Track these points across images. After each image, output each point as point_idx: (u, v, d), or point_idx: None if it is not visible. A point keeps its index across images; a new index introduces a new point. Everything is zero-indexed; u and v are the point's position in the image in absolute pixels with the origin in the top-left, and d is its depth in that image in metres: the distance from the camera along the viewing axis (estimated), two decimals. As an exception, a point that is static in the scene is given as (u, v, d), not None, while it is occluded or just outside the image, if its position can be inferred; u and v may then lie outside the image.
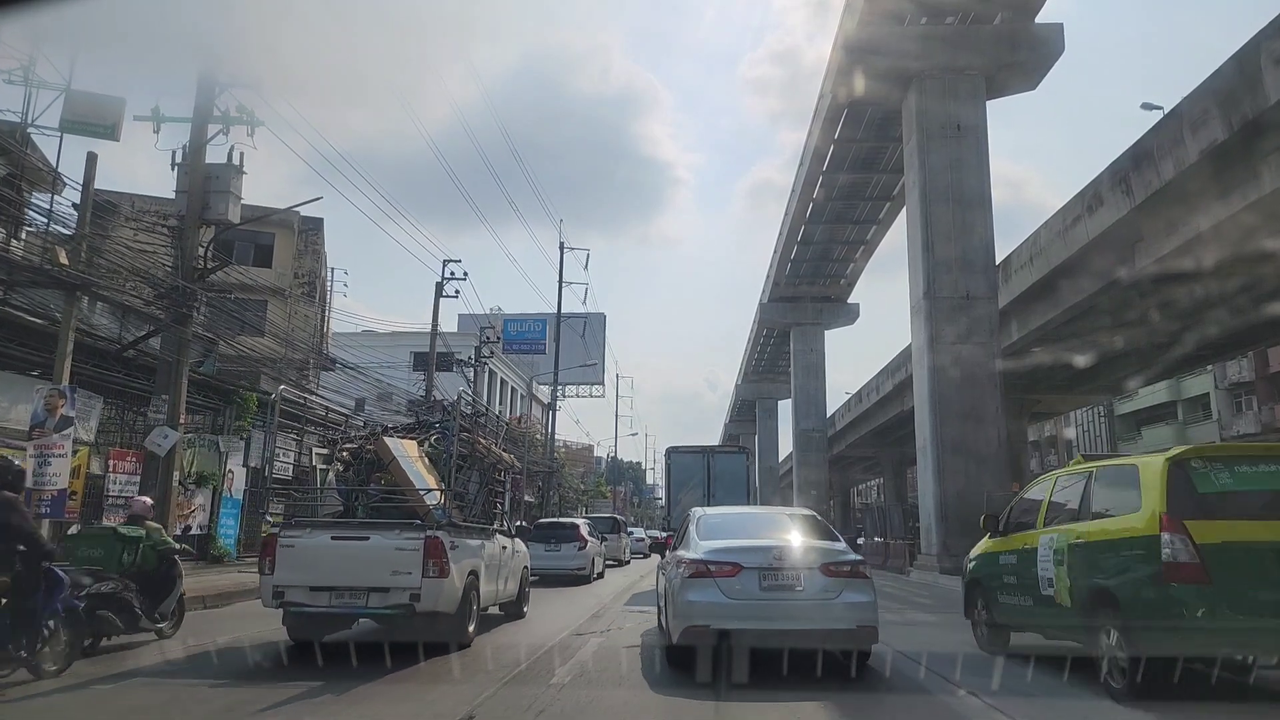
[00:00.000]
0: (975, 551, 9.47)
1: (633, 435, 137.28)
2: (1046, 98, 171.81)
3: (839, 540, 7.80)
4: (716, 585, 6.97)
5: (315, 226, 33.65)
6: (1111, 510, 6.98)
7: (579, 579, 19.03)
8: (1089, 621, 6.81)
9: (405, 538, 8.04)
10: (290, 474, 19.47)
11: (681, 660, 7.13)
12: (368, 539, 8.12)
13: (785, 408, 74.07)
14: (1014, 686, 6.90)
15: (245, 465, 21.08)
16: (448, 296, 28.47)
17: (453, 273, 28.59)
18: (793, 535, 7.71)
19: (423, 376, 28.82)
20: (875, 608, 7.10)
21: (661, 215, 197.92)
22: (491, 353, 34.65)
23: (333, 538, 8.19)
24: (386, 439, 9.58)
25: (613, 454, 79.60)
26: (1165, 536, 6.07)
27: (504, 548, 10.65)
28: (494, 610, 10.75)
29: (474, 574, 8.92)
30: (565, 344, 64.86)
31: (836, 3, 28.66)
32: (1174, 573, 5.98)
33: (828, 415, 50.88)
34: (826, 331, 50.04)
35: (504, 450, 11.64)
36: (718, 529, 8.04)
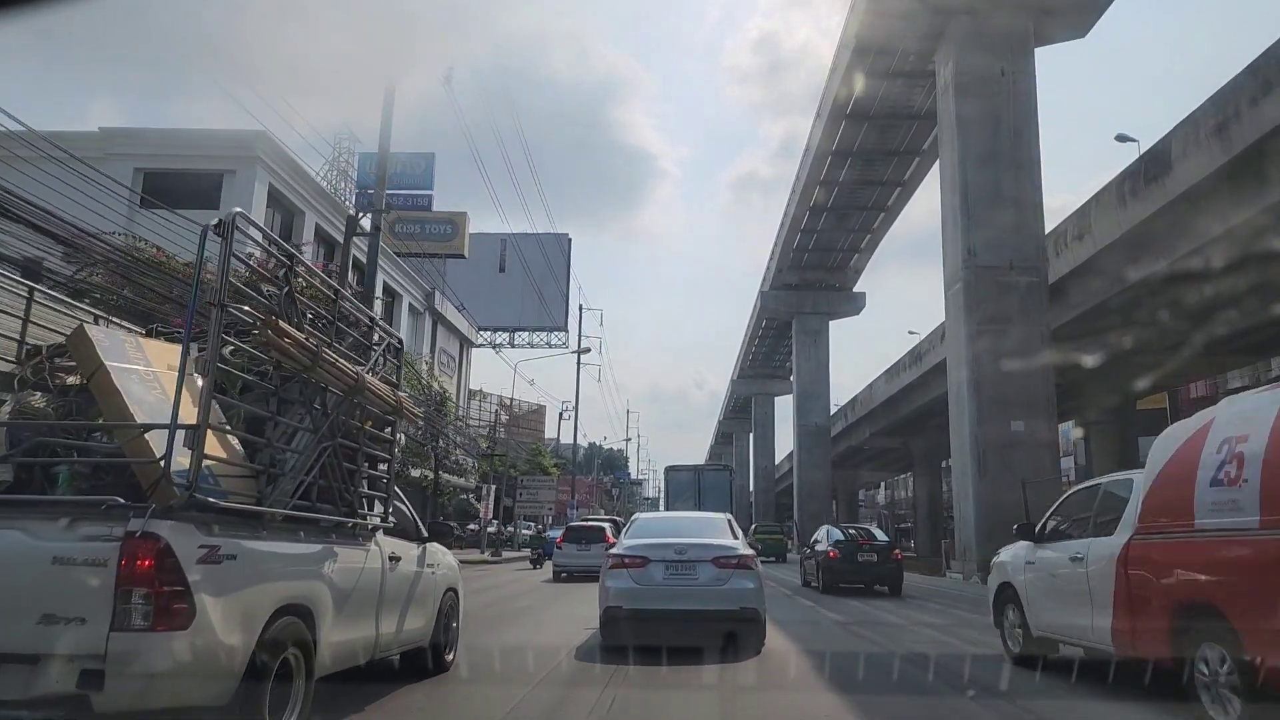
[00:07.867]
0: None
1: (592, 365, 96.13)
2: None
3: (739, 538, 8.88)
4: (629, 574, 8.30)
5: None
6: None
7: None
8: None
9: (80, 536, 3.64)
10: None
11: (605, 630, 8.31)
12: None
13: (786, 404, 59.21)
14: None
15: None
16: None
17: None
18: (700, 534, 8.80)
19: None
20: (760, 594, 8.20)
21: (645, 209, 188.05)
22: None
23: None
24: (90, 328, 4.71)
25: (569, 409, 46.31)
26: None
27: (394, 558, 5.95)
28: (392, 656, 6.30)
29: (295, 614, 4.46)
30: (512, 274, 44.38)
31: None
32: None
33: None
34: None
35: (384, 378, 6.03)
36: (644, 530, 9.34)
